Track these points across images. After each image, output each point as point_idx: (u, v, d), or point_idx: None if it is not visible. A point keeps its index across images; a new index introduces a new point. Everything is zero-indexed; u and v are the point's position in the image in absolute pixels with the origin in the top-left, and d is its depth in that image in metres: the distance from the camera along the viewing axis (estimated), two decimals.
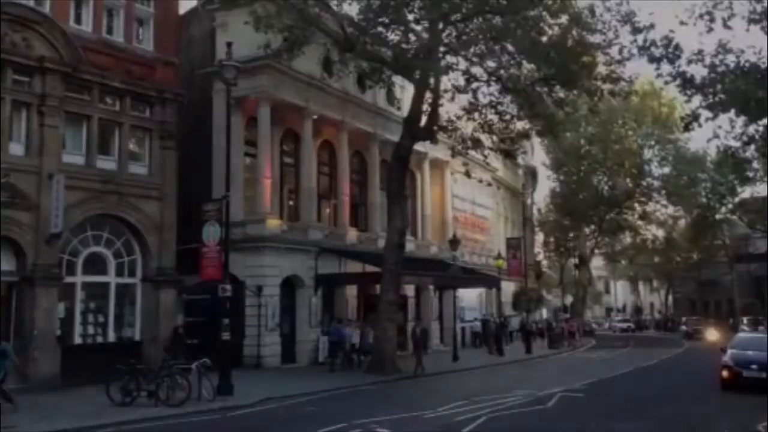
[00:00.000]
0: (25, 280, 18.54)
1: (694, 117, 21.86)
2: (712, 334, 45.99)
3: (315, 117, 28.18)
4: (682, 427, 13.33)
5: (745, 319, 51.51)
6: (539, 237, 67.64)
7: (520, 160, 47.40)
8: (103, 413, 14.25)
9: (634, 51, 22.08)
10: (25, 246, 18.50)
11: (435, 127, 25.86)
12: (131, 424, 13.46)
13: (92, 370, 17.52)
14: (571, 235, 62.24)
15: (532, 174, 60.06)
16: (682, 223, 67.14)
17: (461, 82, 25.14)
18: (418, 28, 23.75)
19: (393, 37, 23.86)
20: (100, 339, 20.68)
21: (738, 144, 25.02)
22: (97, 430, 12.93)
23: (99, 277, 20.90)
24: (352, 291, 29.76)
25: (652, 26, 21.40)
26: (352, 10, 23.73)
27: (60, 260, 19.47)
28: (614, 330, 69.57)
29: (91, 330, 20.60)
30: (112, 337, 20.93)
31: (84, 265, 20.41)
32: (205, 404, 15.58)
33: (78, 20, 20.66)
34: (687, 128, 22.70)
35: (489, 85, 25.22)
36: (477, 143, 27.39)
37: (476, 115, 26.29)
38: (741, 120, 23.36)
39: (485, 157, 30.20)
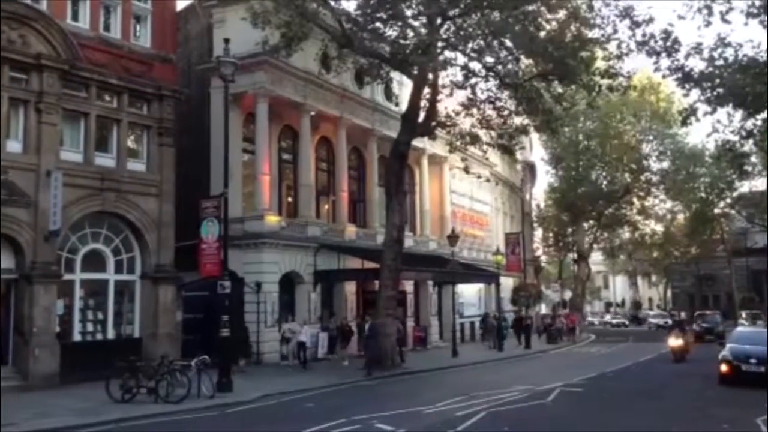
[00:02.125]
0: (24, 277, 18.53)
1: (692, 111, 21.85)
2: (675, 341, 27.59)
3: (313, 113, 28.15)
4: (681, 421, 13.36)
5: (743, 313, 51.56)
6: (538, 232, 67.69)
7: (518, 156, 47.34)
8: (102, 410, 14.27)
9: (633, 46, 22.08)
10: (24, 243, 18.48)
11: (433, 123, 25.85)
12: (131, 420, 13.48)
13: (92, 367, 17.53)
14: (570, 230, 62.25)
15: (530, 169, 60.07)
16: (680, 217, 67.14)
17: (459, 77, 25.12)
18: (416, 23, 23.71)
19: (391, 32, 23.84)
20: (99, 336, 20.67)
21: (736, 138, 25.01)
22: (96, 427, 12.94)
23: (98, 275, 20.89)
24: (351, 287, 29.78)
25: (651, 20, 21.38)
26: (349, 5, 23.77)
27: (59, 258, 19.45)
28: (651, 327, 61.92)
29: (90, 327, 20.59)
30: (111, 334, 20.92)
31: (83, 263, 20.39)
32: (205, 401, 15.60)
33: (75, 17, 20.61)
34: (685, 122, 22.70)
35: (487, 81, 25.18)
36: (475, 139, 27.37)
37: (474, 110, 26.27)
38: (739, 114, 23.37)
39: (484, 152, 30.21)
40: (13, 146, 18.76)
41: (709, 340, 36.28)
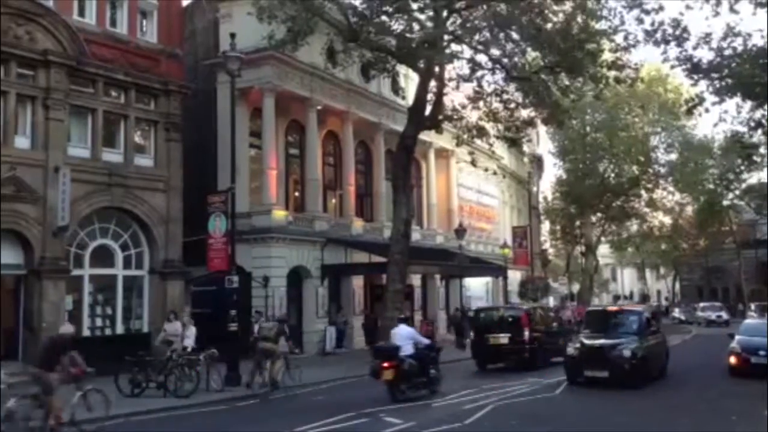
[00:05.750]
0: (33, 273, 18.64)
1: (699, 101, 21.73)
2: None
3: (319, 107, 28.15)
4: (690, 413, 13.31)
5: (752, 305, 51.28)
6: (545, 225, 67.53)
7: (525, 149, 47.22)
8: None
9: (640, 37, 21.95)
10: (33, 239, 18.58)
11: (440, 116, 25.79)
12: (140, 415, 13.55)
13: (101, 362, 17.54)
14: (578, 222, 62.02)
15: (537, 162, 59.90)
16: (689, 209, 66.88)
17: (466, 70, 25.09)
18: (422, 16, 23.65)
19: (397, 26, 23.75)
20: (108, 331, 20.80)
21: (745, 129, 24.88)
22: (106, 422, 12.99)
23: (106, 270, 21.00)
24: (358, 281, 29.82)
25: (661, 8, 21.26)
26: None
27: (67, 253, 19.56)
28: (700, 323, 49.93)
29: (99, 322, 20.73)
30: (120, 329, 21.04)
31: (91, 258, 20.51)
32: (214, 395, 15.66)
33: (81, 13, 20.68)
34: (690, 112, 22.59)
35: (494, 74, 25.13)
36: (482, 132, 27.30)
37: (481, 103, 26.21)
38: (748, 105, 23.23)
39: (490, 145, 30.14)
40: (21, 142, 18.86)
41: (600, 381, 15.96)
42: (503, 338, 20.83)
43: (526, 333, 20.73)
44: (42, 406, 10.48)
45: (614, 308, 22.62)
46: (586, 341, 17.24)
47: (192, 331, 18.17)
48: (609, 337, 17.05)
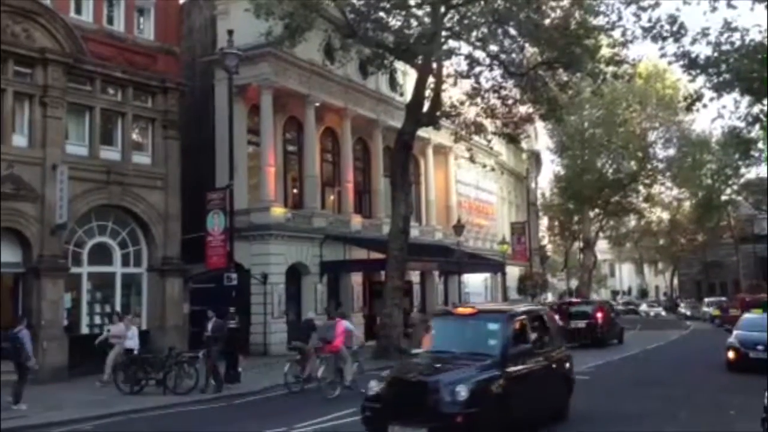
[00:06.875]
0: (31, 271, 18.62)
1: (698, 97, 21.74)
2: None
3: (317, 104, 28.11)
4: (688, 407, 13.34)
5: None
6: (544, 221, 67.58)
7: (523, 145, 47.27)
8: (112, 402, 14.36)
9: (638, 32, 21.98)
10: (31, 237, 18.57)
11: (438, 113, 25.78)
12: (140, 412, 13.56)
13: (100, 359, 17.62)
14: (576, 218, 62.12)
15: (536, 158, 59.92)
16: (687, 204, 66.96)
17: (464, 66, 25.06)
18: (420, 12, 23.64)
19: (394, 22, 23.76)
20: (107, 329, 20.77)
21: (743, 124, 24.93)
22: (107, 419, 13.02)
23: (105, 268, 20.99)
24: (357, 278, 29.82)
25: (657, 4, 21.26)
26: None
27: (66, 251, 19.54)
28: (705, 318, 49.60)
29: (98, 320, 20.71)
30: None
31: (90, 256, 20.49)
32: (213, 392, 15.66)
33: (78, 11, 20.64)
34: (690, 108, 22.60)
35: (491, 70, 25.14)
36: (480, 128, 27.32)
37: (479, 99, 26.21)
38: (746, 100, 23.26)
39: (488, 142, 30.15)
40: (19, 140, 18.83)
41: None
42: (581, 324, 28.11)
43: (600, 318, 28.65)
44: (301, 365, 16.18)
45: (466, 310, 11.53)
46: (402, 372, 10.08)
47: (134, 331, 17.45)
48: (441, 363, 9.78)
